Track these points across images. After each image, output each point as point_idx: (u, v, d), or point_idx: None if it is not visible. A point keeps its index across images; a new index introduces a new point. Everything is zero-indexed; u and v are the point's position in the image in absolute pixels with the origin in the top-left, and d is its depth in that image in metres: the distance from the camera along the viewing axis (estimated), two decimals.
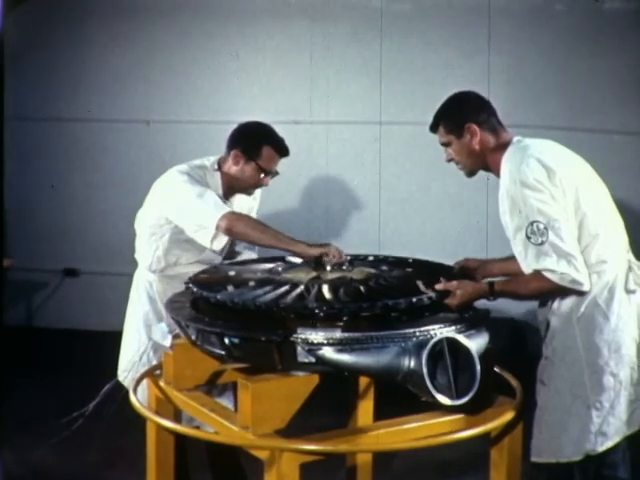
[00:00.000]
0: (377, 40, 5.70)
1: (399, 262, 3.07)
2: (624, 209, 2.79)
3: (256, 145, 3.16)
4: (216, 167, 3.23)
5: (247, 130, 3.24)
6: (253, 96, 5.87)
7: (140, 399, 2.73)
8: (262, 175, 3.19)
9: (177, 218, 3.09)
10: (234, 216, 3.00)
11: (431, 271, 2.86)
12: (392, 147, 5.76)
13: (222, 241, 3.02)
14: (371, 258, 3.13)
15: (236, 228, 2.95)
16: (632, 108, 5.12)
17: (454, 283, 2.60)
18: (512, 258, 2.71)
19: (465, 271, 2.88)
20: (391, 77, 5.71)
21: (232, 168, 3.19)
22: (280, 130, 3.28)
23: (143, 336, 3.24)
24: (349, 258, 2.93)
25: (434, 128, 2.80)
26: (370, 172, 5.78)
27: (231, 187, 3.24)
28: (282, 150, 3.20)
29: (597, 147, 4.82)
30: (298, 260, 3.05)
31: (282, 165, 3.29)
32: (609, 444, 2.60)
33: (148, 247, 3.23)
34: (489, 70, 5.49)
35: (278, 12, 5.85)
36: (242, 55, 5.92)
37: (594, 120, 5.23)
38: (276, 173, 3.24)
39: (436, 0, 5.67)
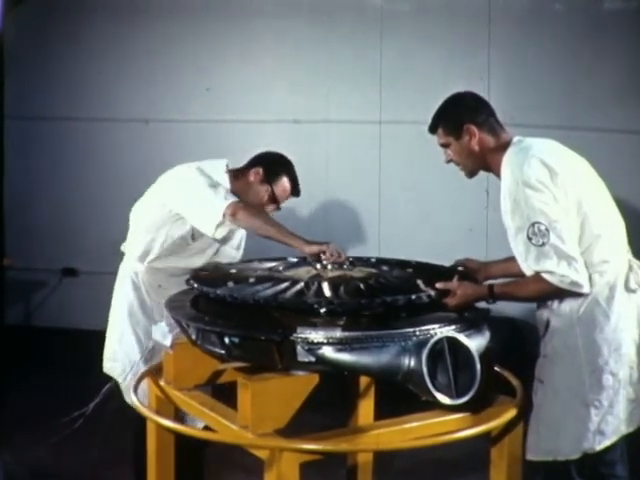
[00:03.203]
0: (377, 40, 5.69)
1: (400, 264, 3.08)
2: (624, 208, 2.79)
3: (277, 171, 3.27)
4: (225, 169, 3.28)
5: (273, 155, 3.35)
6: (252, 95, 5.87)
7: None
8: (269, 201, 3.26)
9: (182, 206, 3.14)
10: (240, 204, 3.06)
11: (432, 272, 2.86)
12: (392, 147, 5.75)
13: (225, 229, 3.08)
14: (373, 260, 3.13)
15: (240, 215, 3.00)
16: (632, 107, 5.13)
17: (455, 283, 2.61)
18: (512, 259, 2.72)
19: (466, 272, 2.87)
20: (391, 77, 5.71)
21: (248, 180, 3.25)
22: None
23: (127, 326, 3.29)
24: (351, 259, 2.94)
25: (433, 129, 2.81)
26: (370, 172, 5.77)
27: (236, 196, 3.27)
28: (296, 188, 3.30)
29: (597, 146, 4.82)
30: (298, 259, 3.07)
31: None
32: (607, 443, 2.60)
33: (142, 238, 3.28)
34: (489, 70, 5.49)
35: (278, 12, 5.85)
36: (241, 55, 5.91)
37: (594, 119, 5.23)
38: (279, 208, 3.31)
39: (436, 0, 5.66)
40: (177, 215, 3.18)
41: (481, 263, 2.97)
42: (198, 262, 3.28)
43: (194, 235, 3.25)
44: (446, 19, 5.61)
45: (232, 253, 3.41)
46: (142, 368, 3.11)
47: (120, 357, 3.31)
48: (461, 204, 5.54)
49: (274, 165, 3.28)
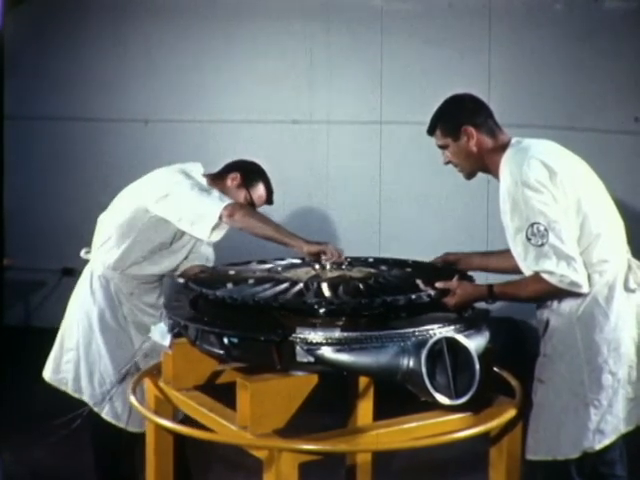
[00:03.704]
0: (377, 40, 5.69)
1: (399, 263, 3.07)
2: (623, 208, 2.79)
3: (254, 178, 3.30)
4: (202, 171, 3.27)
5: (249, 163, 3.37)
6: (252, 96, 5.86)
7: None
8: None
9: (171, 210, 3.08)
10: (237, 205, 3.06)
11: (431, 272, 2.86)
12: (392, 147, 5.75)
13: (221, 232, 3.06)
14: (371, 260, 3.13)
15: (237, 216, 2.98)
16: (631, 107, 5.12)
17: (454, 282, 2.61)
18: (491, 254, 2.84)
19: (464, 272, 2.87)
20: (391, 77, 5.71)
21: (225, 185, 3.26)
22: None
23: (98, 337, 3.26)
24: (349, 259, 2.93)
25: (431, 131, 2.82)
26: (370, 172, 5.77)
27: None
28: (270, 196, 3.34)
29: (596, 147, 4.82)
30: (297, 260, 3.07)
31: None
32: (606, 442, 2.61)
33: (117, 245, 3.25)
34: (489, 70, 5.49)
35: (278, 12, 5.84)
36: (240, 54, 5.91)
37: (594, 120, 5.23)
38: None
39: (436, 0, 5.66)
40: (160, 220, 3.14)
41: (460, 255, 3.00)
42: (172, 265, 3.30)
43: (173, 240, 3.24)
44: (446, 19, 5.61)
45: (207, 251, 3.42)
46: (118, 387, 3.12)
47: (85, 381, 3.26)
48: (461, 204, 5.54)
49: (251, 172, 3.31)
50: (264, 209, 3.36)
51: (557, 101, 5.37)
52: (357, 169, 5.82)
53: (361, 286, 2.64)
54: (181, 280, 3.38)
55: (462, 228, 5.51)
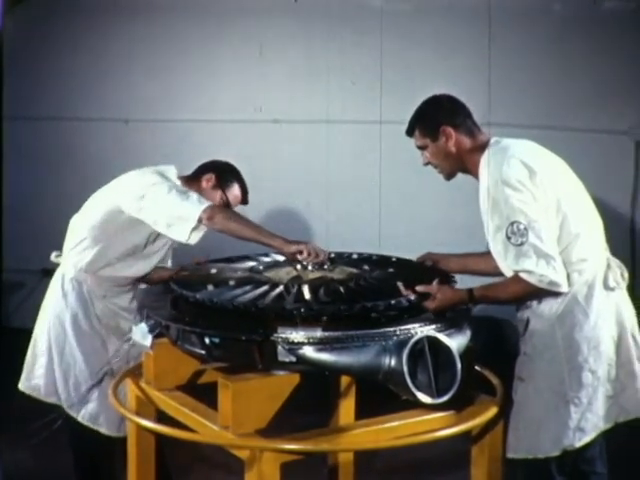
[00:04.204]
0: (377, 40, 5.67)
1: (381, 261, 3.07)
2: (602, 207, 2.81)
3: (229, 178, 3.30)
4: (176, 174, 3.26)
5: (223, 163, 3.37)
6: (247, 95, 5.82)
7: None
8: None
9: (149, 212, 3.04)
10: (216, 208, 3.04)
11: (413, 271, 2.86)
12: (392, 147, 5.72)
13: (200, 234, 3.03)
14: (355, 256, 3.12)
15: (217, 218, 2.97)
16: (628, 107, 5.15)
17: (435, 287, 2.60)
18: (472, 256, 2.88)
19: (446, 273, 2.88)
20: (391, 77, 5.69)
21: (200, 187, 3.24)
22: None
23: (72, 341, 3.23)
24: (332, 256, 2.93)
25: (410, 132, 2.83)
26: (370, 172, 5.75)
27: None
28: (245, 196, 3.33)
29: (594, 146, 4.86)
30: (280, 258, 3.05)
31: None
32: (586, 439, 2.63)
33: (90, 246, 3.21)
34: (489, 70, 5.48)
35: (277, 12, 5.81)
36: (235, 54, 5.88)
37: (594, 119, 5.24)
38: None
39: (436, 0, 5.66)
40: (134, 222, 3.11)
41: (442, 255, 3.02)
42: (145, 269, 3.27)
43: (147, 242, 3.22)
44: (446, 19, 5.60)
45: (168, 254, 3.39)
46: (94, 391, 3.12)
47: (61, 385, 3.22)
48: (462, 204, 5.51)
49: (225, 172, 3.31)
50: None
51: (558, 101, 5.37)
52: (357, 169, 5.80)
53: (341, 289, 2.63)
54: (145, 285, 3.39)
55: (462, 228, 5.48)
